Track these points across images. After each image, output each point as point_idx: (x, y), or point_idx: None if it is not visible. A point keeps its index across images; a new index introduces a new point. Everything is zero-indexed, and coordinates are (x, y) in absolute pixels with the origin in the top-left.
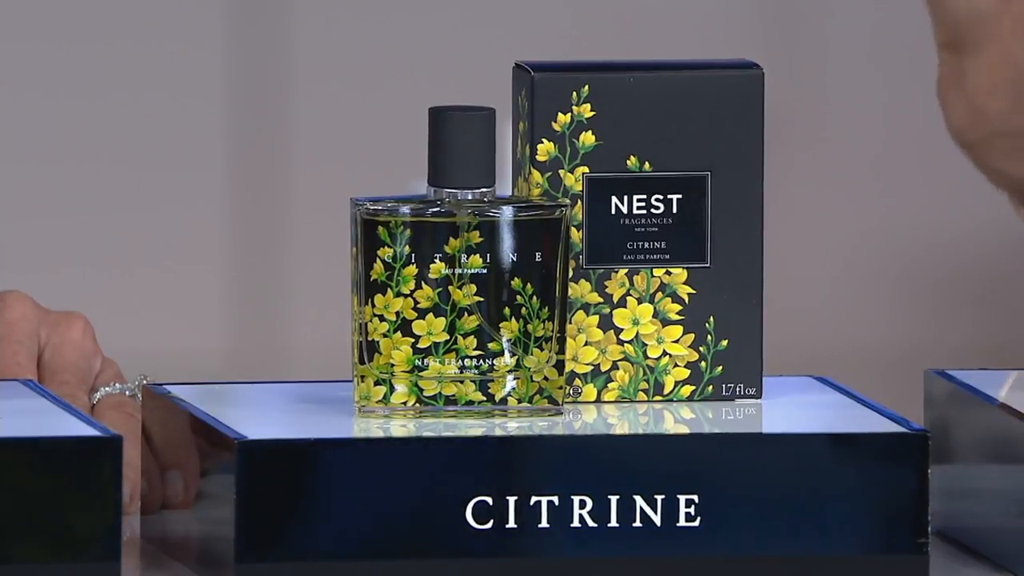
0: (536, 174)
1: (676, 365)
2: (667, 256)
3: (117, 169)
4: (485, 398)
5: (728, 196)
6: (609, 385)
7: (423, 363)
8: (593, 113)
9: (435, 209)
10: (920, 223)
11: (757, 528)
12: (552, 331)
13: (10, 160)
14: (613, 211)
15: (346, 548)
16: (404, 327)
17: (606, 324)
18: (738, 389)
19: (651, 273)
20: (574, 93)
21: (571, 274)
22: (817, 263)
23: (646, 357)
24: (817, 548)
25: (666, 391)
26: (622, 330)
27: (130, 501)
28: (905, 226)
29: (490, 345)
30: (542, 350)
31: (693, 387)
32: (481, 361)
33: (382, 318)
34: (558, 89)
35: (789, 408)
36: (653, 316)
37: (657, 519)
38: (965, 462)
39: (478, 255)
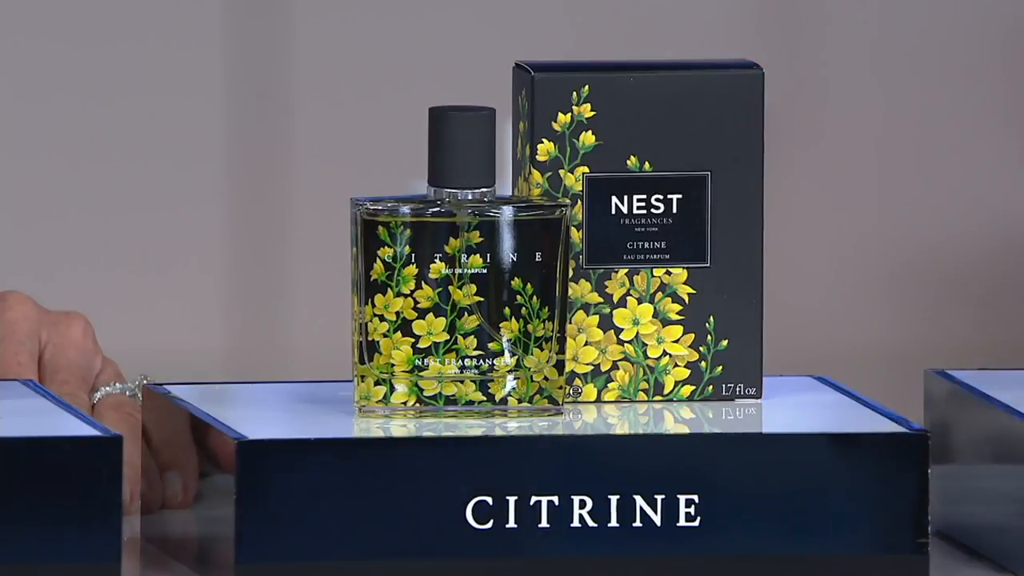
0: (536, 174)
1: (676, 365)
2: (667, 256)
3: (117, 169)
4: (485, 398)
5: (728, 196)
6: (609, 385)
7: (423, 363)
8: (593, 113)
9: (435, 209)
10: (920, 223)
11: (757, 528)
12: (552, 331)
13: (10, 160)
14: (613, 211)
15: (346, 548)
16: (404, 327)
17: (606, 324)
18: (738, 389)
19: (651, 273)
20: (574, 93)
21: (571, 274)
22: (817, 263)
23: (646, 357)
24: (817, 548)
25: (666, 391)
26: (622, 330)
27: (130, 501)
28: (905, 226)
29: (490, 345)
30: (542, 350)
31: (693, 387)
32: (481, 361)
33: (382, 318)
34: (558, 89)
35: (789, 408)
36: (653, 316)
37: (657, 519)
38: (965, 462)
39: (478, 255)
